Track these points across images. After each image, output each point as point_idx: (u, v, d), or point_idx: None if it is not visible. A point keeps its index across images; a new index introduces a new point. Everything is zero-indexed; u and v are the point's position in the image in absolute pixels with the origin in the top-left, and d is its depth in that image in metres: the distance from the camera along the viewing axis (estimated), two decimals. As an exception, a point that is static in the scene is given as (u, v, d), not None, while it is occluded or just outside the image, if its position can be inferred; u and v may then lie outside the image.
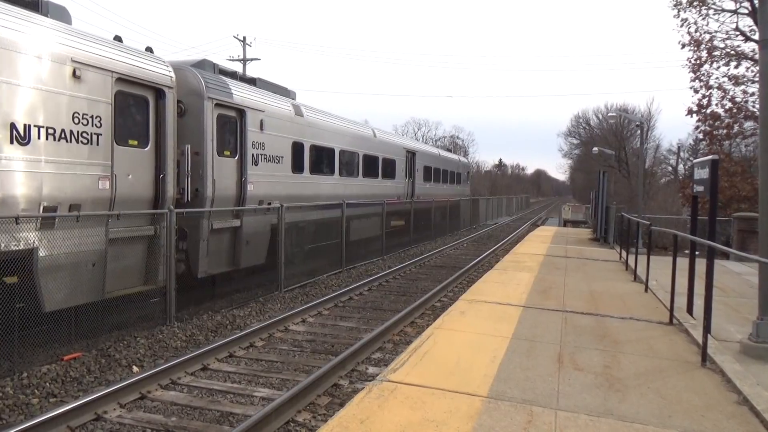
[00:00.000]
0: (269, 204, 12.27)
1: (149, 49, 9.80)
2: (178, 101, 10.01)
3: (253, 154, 11.82)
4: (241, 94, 11.69)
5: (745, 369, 5.72)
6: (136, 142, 8.91)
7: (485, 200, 44.61)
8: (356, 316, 10.40)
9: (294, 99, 14.84)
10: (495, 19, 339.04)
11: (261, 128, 12.08)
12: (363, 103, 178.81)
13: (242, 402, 6.22)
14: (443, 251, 21.04)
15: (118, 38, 9.17)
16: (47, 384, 6.48)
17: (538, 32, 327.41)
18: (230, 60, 36.58)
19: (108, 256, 8.20)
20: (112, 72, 8.36)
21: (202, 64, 11.52)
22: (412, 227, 22.36)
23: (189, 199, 10.01)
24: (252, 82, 13.26)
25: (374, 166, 19.59)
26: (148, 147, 9.12)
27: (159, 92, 9.30)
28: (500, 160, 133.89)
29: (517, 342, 6.70)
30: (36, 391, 6.30)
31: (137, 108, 9.03)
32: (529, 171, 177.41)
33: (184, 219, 9.80)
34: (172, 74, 9.59)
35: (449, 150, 39.59)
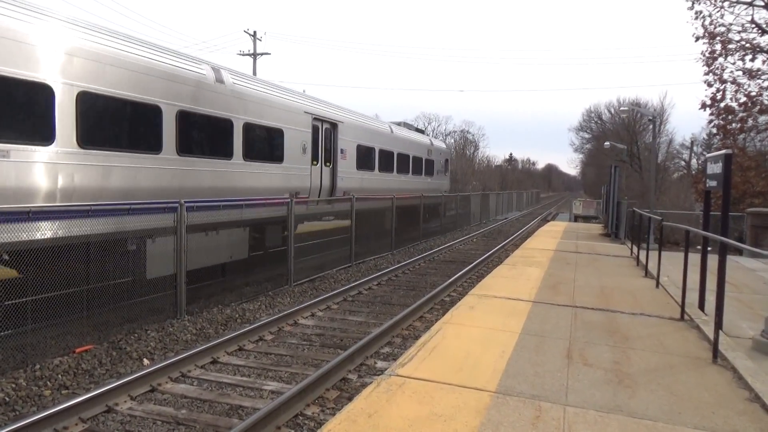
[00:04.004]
0: None
1: None
2: None
3: None
4: None
5: (758, 366, 5.66)
6: None
7: (495, 195, 44.51)
8: (365, 311, 10.41)
9: None
10: (506, 13, 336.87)
11: None
12: (373, 98, 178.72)
13: (251, 395, 6.26)
14: (453, 246, 21.00)
15: None
16: (59, 376, 6.56)
17: (550, 26, 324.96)
18: (241, 54, 36.70)
19: None
20: None
21: None
22: (421, 222, 22.31)
23: None
24: None
25: (223, 137, 11.27)
26: None
27: None
28: (511, 154, 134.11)
29: (526, 337, 6.67)
30: (48, 382, 6.38)
31: None
32: (540, 166, 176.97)
33: None
34: None
35: (420, 131, 28.74)
